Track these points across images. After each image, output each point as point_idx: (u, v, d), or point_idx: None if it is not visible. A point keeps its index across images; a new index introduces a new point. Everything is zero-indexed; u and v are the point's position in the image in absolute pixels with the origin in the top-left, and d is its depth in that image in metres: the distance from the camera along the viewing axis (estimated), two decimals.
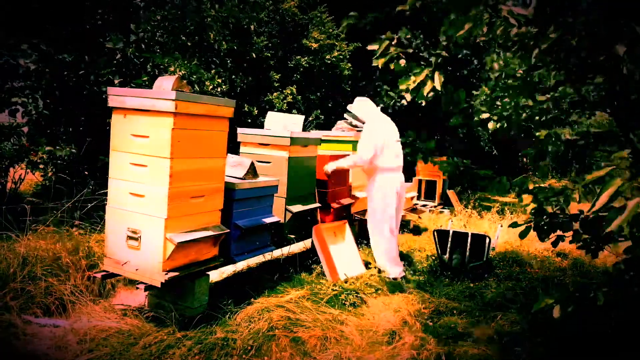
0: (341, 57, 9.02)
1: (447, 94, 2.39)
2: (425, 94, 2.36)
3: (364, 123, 5.01)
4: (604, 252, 2.46)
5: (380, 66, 2.54)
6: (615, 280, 2.38)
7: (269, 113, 5.26)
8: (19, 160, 5.76)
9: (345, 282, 4.47)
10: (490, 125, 2.86)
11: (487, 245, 5.15)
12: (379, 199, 4.87)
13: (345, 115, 5.25)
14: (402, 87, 2.42)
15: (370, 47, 2.56)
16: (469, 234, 5.16)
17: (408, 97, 2.43)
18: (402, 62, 2.47)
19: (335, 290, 4.18)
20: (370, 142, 4.79)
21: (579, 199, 2.26)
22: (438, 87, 2.33)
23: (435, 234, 5.37)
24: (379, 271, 4.87)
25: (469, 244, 5.10)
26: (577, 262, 5.53)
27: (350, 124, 5.22)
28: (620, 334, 3.19)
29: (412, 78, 2.38)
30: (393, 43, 2.50)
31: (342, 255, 4.86)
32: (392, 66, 2.50)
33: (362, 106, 5.10)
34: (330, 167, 5.05)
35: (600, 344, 3.25)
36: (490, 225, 7.89)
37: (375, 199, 4.90)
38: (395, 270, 4.83)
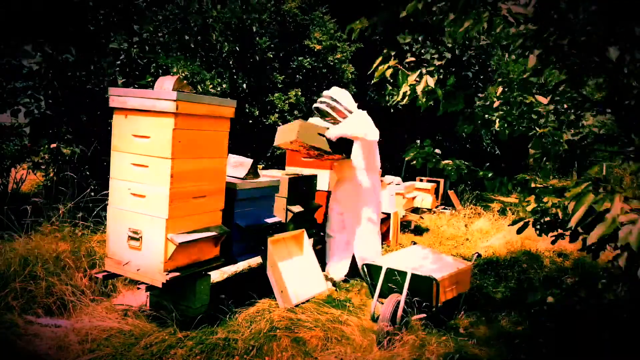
0: (343, 58, 9.01)
1: (448, 96, 2.40)
2: (419, 92, 2.38)
3: (351, 112, 4.66)
4: (605, 253, 2.46)
5: (376, 79, 2.56)
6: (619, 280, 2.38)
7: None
8: (20, 160, 5.77)
9: (296, 306, 3.86)
10: (497, 124, 2.85)
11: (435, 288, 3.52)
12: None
13: (320, 105, 4.67)
14: (399, 97, 2.45)
15: (370, 72, 2.59)
16: (408, 273, 3.51)
17: (405, 101, 2.45)
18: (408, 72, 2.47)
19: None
20: (361, 119, 4.56)
21: (561, 213, 2.29)
22: (431, 85, 2.35)
23: (366, 269, 3.86)
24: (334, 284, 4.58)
25: (405, 288, 3.46)
26: (579, 262, 5.52)
27: (329, 113, 4.64)
28: (622, 334, 3.18)
29: (407, 81, 2.40)
30: (392, 55, 2.52)
31: (298, 271, 4.22)
32: (389, 77, 2.52)
33: (346, 96, 4.74)
34: (333, 133, 4.51)
35: (601, 344, 3.24)
36: (492, 225, 7.90)
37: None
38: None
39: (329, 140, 4.51)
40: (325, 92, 4.78)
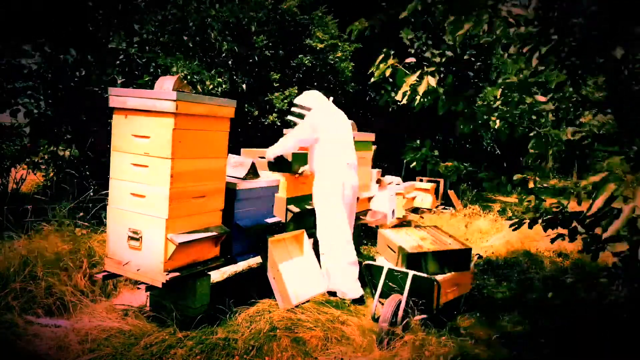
0: (343, 57, 9.02)
1: (449, 97, 2.40)
2: (420, 93, 2.37)
3: (309, 110, 4.46)
4: (605, 253, 2.46)
5: (375, 78, 2.56)
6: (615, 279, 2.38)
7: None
8: (20, 160, 5.77)
9: (296, 306, 3.83)
10: (497, 124, 2.84)
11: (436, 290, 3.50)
12: (326, 200, 4.32)
13: (291, 111, 4.64)
14: (398, 96, 2.44)
15: (370, 72, 2.59)
16: (410, 274, 3.48)
17: (404, 100, 2.44)
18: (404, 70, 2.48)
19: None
20: (307, 122, 4.36)
21: (578, 202, 2.27)
22: (433, 84, 2.35)
23: (365, 269, 3.89)
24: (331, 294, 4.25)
25: (407, 289, 3.45)
26: (578, 262, 5.52)
27: (294, 122, 4.55)
28: (622, 334, 3.18)
29: (406, 82, 2.39)
30: (392, 53, 2.53)
31: (298, 271, 4.21)
32: (389, 76, 2.53)
33: (308, 95, 4.58)
34: (270, 155, 4.46)
35: (601, 344, 3.24)
36: (492, 225, 7.89)
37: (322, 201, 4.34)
38: (351, 287, 4.19)
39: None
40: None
